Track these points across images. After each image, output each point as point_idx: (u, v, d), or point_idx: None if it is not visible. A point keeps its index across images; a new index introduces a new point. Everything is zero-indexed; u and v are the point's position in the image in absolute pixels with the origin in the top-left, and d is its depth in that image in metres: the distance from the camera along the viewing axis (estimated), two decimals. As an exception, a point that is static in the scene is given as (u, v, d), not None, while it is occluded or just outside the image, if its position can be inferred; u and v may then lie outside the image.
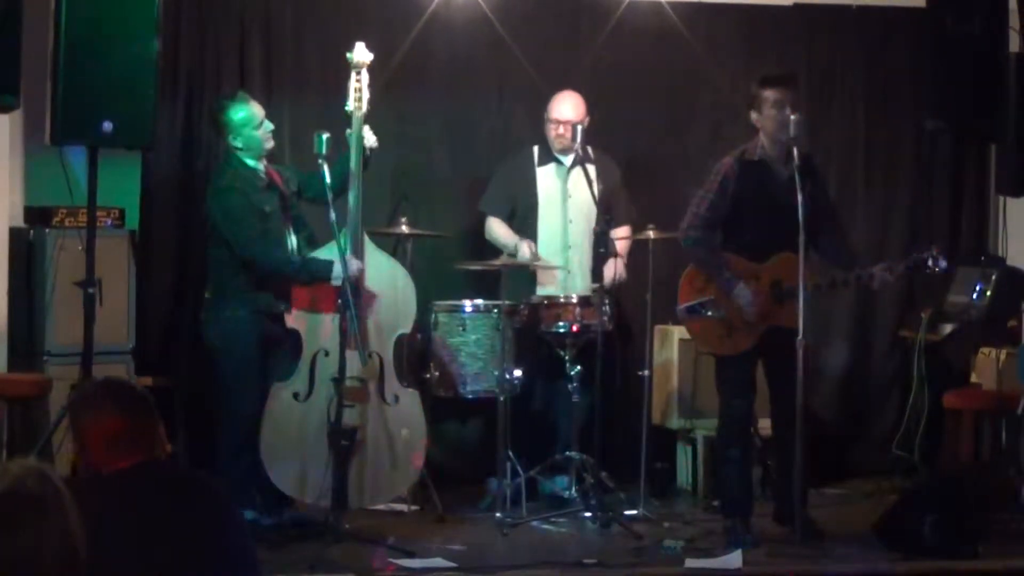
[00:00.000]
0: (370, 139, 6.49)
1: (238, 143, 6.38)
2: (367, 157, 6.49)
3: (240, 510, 3.36)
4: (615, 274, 7.04)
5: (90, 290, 6.37)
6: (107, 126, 6.24)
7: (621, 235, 7.17)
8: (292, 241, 6.47)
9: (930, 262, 6.30)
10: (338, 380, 6.17)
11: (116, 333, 7.02)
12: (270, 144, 6.47)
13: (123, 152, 6.88)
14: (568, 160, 7.22)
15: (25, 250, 7.07)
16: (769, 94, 6.33)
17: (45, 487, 2.36)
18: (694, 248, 6.37)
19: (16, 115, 6.82)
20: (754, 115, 6.38)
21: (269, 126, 6.45)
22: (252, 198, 6.34)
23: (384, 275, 6.53)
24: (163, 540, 2.99)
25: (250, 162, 6.40)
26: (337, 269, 6.20)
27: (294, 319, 6.39)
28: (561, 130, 7.15)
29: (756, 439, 6.95)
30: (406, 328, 6.63)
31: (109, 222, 7.03)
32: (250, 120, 6.39)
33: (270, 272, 6.35)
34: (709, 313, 6.35)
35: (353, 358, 6.19)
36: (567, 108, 7.21)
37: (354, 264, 6.33)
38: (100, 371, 6.44)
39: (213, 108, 6.68)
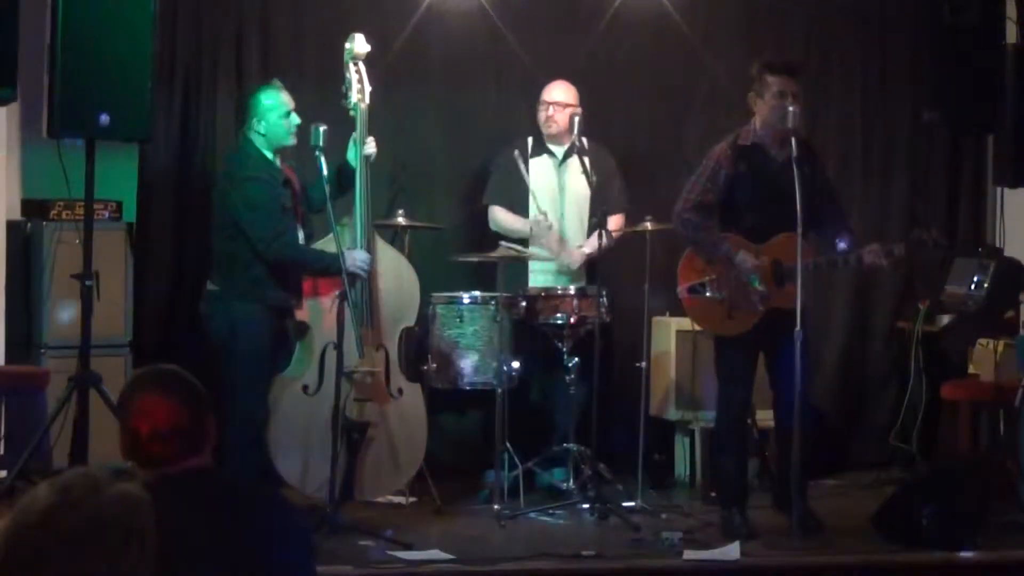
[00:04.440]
0: (370, 147, 6.48)
1: (261, 129, 6.27)
2: (369, 164, 6.49)
3: (308, 531, 3.16)
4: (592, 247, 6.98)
5: (87, 283, 6.37)
6: (104, 119, 6.23)
7: (613, 226, 7.16)
8: (300, 238, 6.43)
9: (930, 244, 6.28)
10: (348, 372, 6.20)
11: (114, 326, 7.02)
12: (293, 139, 6.33)
13: (120, 145, 6.88)
14: (560, 152, 7.22)
15: (22, 243, 7.07)
16: (773, 81, 6.29)
17: (141, 519, 2.28)
18: (685, 230, 6.37)
19: (13, 108, 6.82)
20: (752, 96, 6.35)
21: (296, 120, 6.32)
22: (275, 190, 6.27)
23: (389, 268, 6.53)
24: (215, 559, 2.84)
25: (268, 153, 6.31)
26: (350, 259, 6.21)
27: (304, 312, 6.38)
28: (551, 111, 7.15)
29: (753, 430, 6.96)
30: (410, 321, 6.64)
31: (106, 215, 7.03)
32: (277, 107, 6.29)
33: (289, 265, 6.29)
34: (709, 293, 6.35)
35: (351, 350, 6.20)
36: (558, 91, 7.22)
37: (360, 255, 6.33)
38: (98, 364, 6.45)
39: (242, 94, 6.60)
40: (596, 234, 6.77)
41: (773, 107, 6.26)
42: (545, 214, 7.11)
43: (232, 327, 6.25)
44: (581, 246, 7.18)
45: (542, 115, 7.22)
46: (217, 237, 6.39)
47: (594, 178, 6.94)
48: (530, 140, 7.32)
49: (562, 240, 7.18)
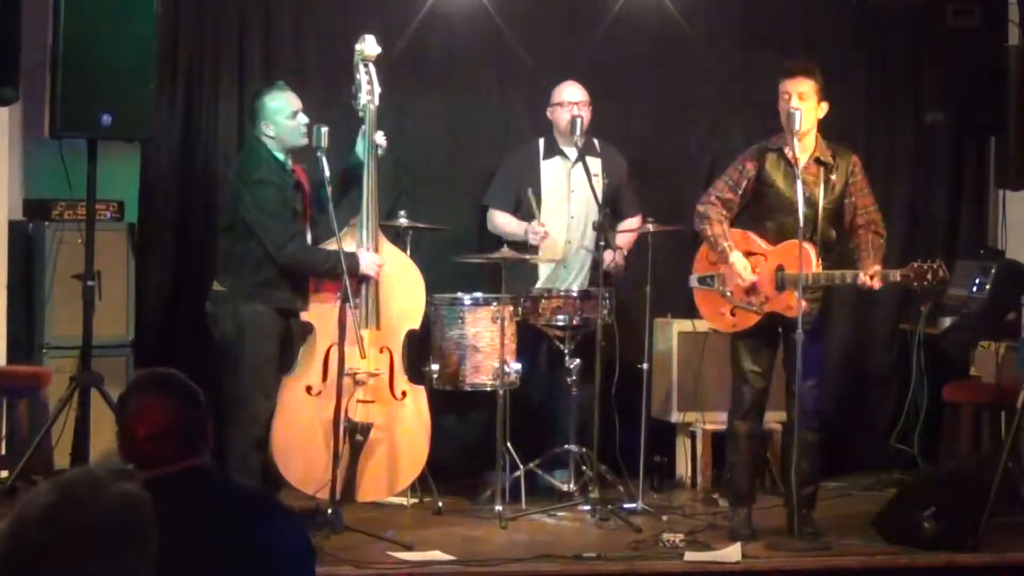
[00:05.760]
0: (380, 140, 6.48)
1: (270, 132, 6.26)
2: (378, 158, 6.48)
3: (305, 532, 3.15)
4: (612, 260, 7.01)
5: (89, 283, 6.38)
6: (106, 119, 6.24)
7: (629, 227, 7.16)
8: (308, 240, 6.42)
9: (929, 275, 6.19)
10: (351, 374, 6.19)
11: (115, 326, 7.02)
12: (303, 140, 6.29)
13: (122, 145, 6.88)
14: (573, 154, 7.20)
15: (24, 243, 7.07)
16: (780, 85, 6.27)
17: (142, 518, 2.25)
18: (695, 222, 6.39)
19: (15, 108, 6.83)
20: (777, 106, 6.34)
21: (304, 119, 6.30)
22: (287, 193, 6.26)
23: (395, 269, 6.52)
24: (213, 560, 2.85)
25: (279, 155, 6.30)
26: (363, 261, 6.23)
27: (308, 313, 6.37)
28: (576, 110, 7.09)
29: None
30: (415, 323, 6.63)
31: (108, 215, 7.03)
32: (284, 108, 6.28)
33: (300, 268, 6.28)
34: (717, 286, 6.38)
35: (353, 351, 6.19)
36: (577, 90, 7.20)
37: (372, 257, 6.33)
38: (99, 364, 6.45)
39: (248, 97, 6.62)
40: (609, 252, 6.80)
41: (782, 111, 6.25)
42: (541, 225, 7.08)
43: (239, 328, 6.23)
44: (619, 247, 7.15)
45: (564, 115, 7.13)
46: (226, 238, 6.36)
47: (605, 180, 6.95)
48: (541, 142, 7.30)
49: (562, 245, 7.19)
